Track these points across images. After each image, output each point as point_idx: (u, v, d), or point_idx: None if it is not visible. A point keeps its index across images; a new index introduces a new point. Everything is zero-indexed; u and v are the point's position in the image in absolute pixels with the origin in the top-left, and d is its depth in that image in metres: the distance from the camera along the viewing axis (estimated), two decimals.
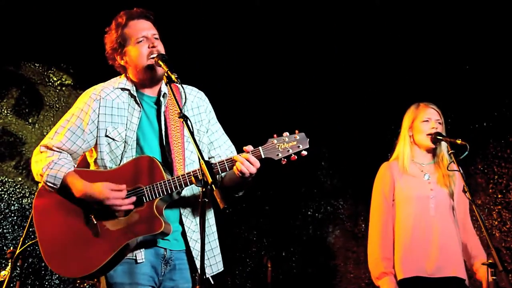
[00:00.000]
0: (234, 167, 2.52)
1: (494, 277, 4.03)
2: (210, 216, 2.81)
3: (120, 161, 2.65)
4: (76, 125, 2.68)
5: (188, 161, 2.71)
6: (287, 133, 2.55)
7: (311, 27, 5.56)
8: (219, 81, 5.54)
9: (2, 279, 3.93)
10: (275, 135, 2.56)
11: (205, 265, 2.67)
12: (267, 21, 5.49)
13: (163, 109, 2.77)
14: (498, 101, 5.18)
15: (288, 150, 2.52)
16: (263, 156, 2.53)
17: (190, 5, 5.26)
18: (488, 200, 5.15)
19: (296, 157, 2.53)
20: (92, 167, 2.75)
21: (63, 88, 5.54)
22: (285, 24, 5.52)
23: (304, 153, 2.53)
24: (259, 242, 6.03)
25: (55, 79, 5.53)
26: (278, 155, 2.52)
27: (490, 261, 3.89)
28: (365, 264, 5.63)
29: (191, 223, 2.69)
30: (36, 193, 2.68)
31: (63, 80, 5.58)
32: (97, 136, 2.69)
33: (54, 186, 2.57)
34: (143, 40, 2.71)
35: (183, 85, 2.77)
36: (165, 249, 2.65)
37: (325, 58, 5.75)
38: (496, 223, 5.08)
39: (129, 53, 2.73)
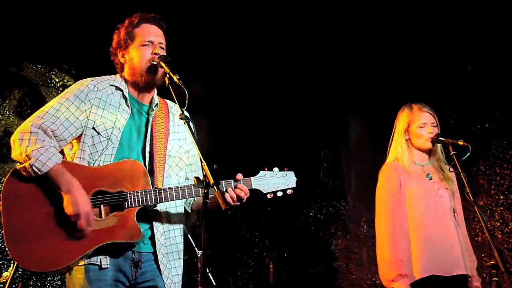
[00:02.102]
0: (226, 193, 2.58)
1: (496, 278, 4.03)
2: (178, 233, 2.77)
3: (99, 157, 2.60)
4: (71, 111, 2.61)
5: (166, 175, 2.71)
6: (277, 169, 2.70)
7: (311, 27, 5.56)
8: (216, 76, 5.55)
9: (4, 280, 3.93)
10: (266, 168, 2.68)
11: (173, 281, 2.67)
12: (266, 22, 5.49)
13: (151, 118, 2.77)
14: (500, 102, 5.18)
15: (277, 186, 2.68)
16: (253, 187, 2.65)
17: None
18: (490, 202, 5.15)
19: (282, 194, 2.69)
20: (68, 158, 2.67)
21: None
22: (285, 24, 5.52)
23: (290, 191, 2.70)
24: (261, 243, 6.04)
25: (57, 80, 5.55)
26: (267, 188, 2.67)
27: (492, 262, 3.89)
28: (368, 265, 5.64)
29: (160, 227, 2.68)
30: (8, 174, 2.53)
31: (65, 81, 5.59)
32: (84, 126, 2.63)
33: (39, 173, 2.45)
34: (148, 44, 2.70)
35: (170, 101, 2.82)
36: (133, 251, 2.60)
37: (327, 58, 5.75)
38: (498, 224, 5.07)
39: (130, 52, 2.72)
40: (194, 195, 2.62)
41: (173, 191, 2.58)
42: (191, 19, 5.33)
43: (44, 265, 2.49)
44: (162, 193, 2.56)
